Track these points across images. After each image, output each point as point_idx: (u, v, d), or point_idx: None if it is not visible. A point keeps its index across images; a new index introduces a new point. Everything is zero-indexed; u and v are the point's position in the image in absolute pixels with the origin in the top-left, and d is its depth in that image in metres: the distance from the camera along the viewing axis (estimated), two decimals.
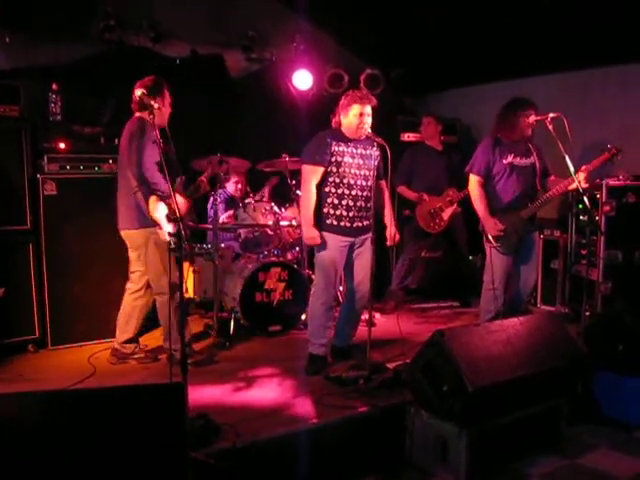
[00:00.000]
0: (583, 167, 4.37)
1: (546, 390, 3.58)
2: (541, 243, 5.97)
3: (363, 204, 4.35)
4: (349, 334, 4.66)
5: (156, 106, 3.23)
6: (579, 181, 4.28)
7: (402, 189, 6.15)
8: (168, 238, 3.63)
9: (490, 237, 4.67)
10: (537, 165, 4.73)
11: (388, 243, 4.46)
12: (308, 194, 4.31)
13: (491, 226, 4.64)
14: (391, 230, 4.50)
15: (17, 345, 4.68)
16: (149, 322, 4.95)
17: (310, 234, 4.31)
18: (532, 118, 4.49)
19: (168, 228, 3.74)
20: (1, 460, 2.37)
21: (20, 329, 4.69)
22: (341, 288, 4.64)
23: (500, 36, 5.79)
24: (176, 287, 3.65)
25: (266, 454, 3.25)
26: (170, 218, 3.72)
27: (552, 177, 4.83)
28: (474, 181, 4.77)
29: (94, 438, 2.47)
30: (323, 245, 4.33)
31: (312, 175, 4.29)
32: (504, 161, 4.67)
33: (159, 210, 3.92)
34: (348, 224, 4.33)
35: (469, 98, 7.15)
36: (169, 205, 3.81)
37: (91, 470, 2.45)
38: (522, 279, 4.79)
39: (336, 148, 4.27)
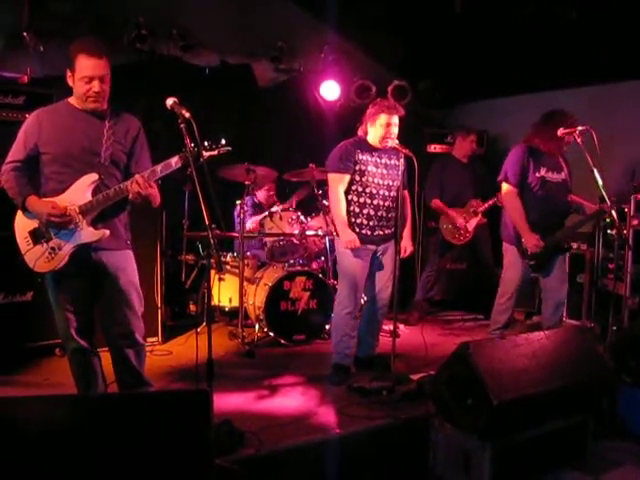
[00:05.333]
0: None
1: (571, 405, 3.54)
2: (567, 256, 5.91)
3: (384, 214, 4.35)
4: (371, 344, 4.65)
5: (187, 115, 3.19)
6: (608, 198, 4.09)
7: (436, 202, 6.09)
8: None
9: (526, 253, 4.51)
10: (569, 181, 4.58)
11: (400, 255, 4.36)
12: (337, 199, 4.30)
13: (533, 243, 4.42)
14: (405, 242, 4.47)
15: (44, 349, 4.72)
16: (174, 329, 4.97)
17: (347, 237, 4.23)
18: (560, 131, 4.32)
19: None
20: (26, 463, 2.41)
21: (47, 333, 4.70)
22: (365, 297, 4.63)
23: (528, 49, 5.78)
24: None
25: (288, 462, 3.26)
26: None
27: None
28: (510, 192, 4.51)
29: (119, 443, 2.49)
30: (346, 253, 4.33)
31: (338, 183, 4.29)
32: (537, 174, 4.45)
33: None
34: (369, 232, 4.32)
35: (496, 110, 7.13)
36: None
37: (115, 476, 2.48)
38: (551, 293, 4.71)
39: (360, 157, 4.27)
